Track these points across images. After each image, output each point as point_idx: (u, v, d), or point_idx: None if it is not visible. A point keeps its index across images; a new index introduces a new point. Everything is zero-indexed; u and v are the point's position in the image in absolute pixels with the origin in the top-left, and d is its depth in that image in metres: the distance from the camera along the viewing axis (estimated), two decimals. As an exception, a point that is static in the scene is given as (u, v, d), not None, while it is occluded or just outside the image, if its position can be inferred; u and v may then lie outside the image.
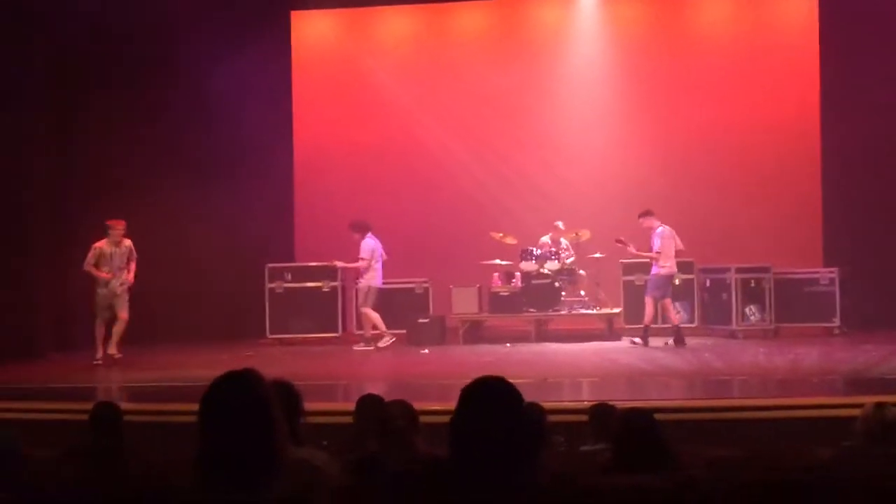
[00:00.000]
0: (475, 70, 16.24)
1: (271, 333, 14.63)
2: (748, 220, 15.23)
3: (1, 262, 13.27)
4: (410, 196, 16.10)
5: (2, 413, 8.38)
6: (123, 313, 12.46)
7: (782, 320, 14.03)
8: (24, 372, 11.85)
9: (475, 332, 14.57)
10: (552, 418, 5.40)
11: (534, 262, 14.35)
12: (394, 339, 13.65)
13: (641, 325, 13.24)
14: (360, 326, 14.12)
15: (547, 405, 5.38)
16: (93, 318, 12.64)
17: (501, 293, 14.49)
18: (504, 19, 16.73)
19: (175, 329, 14.67)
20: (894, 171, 14.51)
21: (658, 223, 13.14)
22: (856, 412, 5.43)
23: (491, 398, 3.10)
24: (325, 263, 14.38)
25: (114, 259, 12.47)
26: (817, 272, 14.32)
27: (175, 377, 10.92)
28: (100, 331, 12.55)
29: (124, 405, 6.38)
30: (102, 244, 12.49)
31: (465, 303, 14.42)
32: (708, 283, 14.46)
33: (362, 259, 13.62)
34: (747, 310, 13.97)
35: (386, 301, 14.06)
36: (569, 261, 14.62)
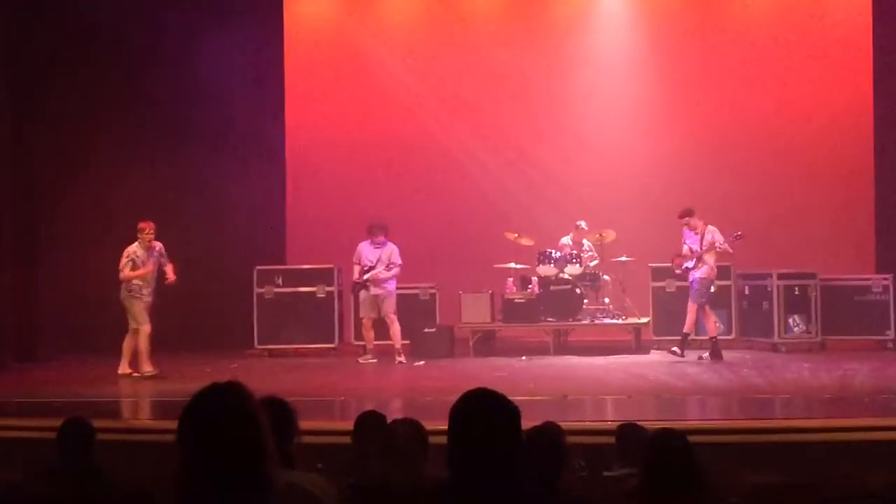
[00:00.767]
0: (489, 53, 16.24)
1: (260, 344, 14.64)
2: (792, 222, 15.22)
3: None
4: (416, 192, 16.10)
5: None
6: (147, 325, 12.46)
7: (830, 332, 14.01)
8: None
9: (487, 344, 14.56)
10: (572, 439, 5.38)
11: (553, 265, 14.34)
12: (375, 361, 13.68)
13: (680, 336, 13.22)
14: (359, 335, 14.15)
15: (566, 425, 5.36)
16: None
17: (516, 300, 14.49)
18: (521, -4, 16.76)
19: (152, 338, 14.67)
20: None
21: (702, 222, 13.16)
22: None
23: (483, 415, 3.11)
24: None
25: (146, 264, 12.46)
26: (869, 279, 14.31)
27: (152, 392, 10.92)
28: (134, 344, 12.45)
29: (96, 422, 6.38)
30: (135, 248, 12.45)
31: (475, 311, 14.41)
32: (747, 291, 14.44)
33: (398, 265, 13.66)
34: (791, 320, 13.95)
35: (388, 308, 14.08)
36: (592, 264, 14.61)
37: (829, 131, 15.41)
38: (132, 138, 14.95)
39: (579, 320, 14.33)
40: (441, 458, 4.81)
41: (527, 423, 3.96)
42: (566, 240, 14.75)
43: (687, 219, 13.22)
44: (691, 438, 4.67)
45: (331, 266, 14.68)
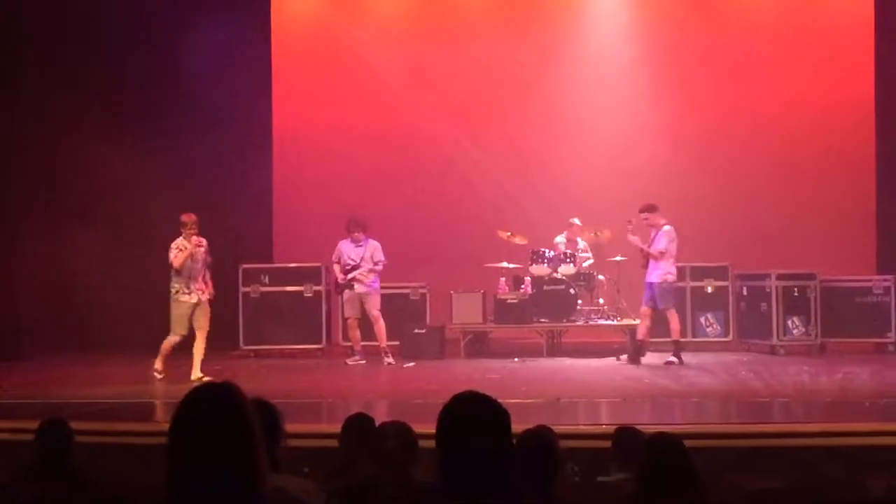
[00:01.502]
0: (479, 48, 16.24)
1: (245, 344, 14.61)
2: (791, 221, 15.25)
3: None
4: (405, 189, 16.10)
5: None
6: (204, 325, 12.00)
7: (829, 334, 14.03)
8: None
9: (479, 345, 14.56)
10: (565, 444, 5.37)
11: (546, 265, 14.34)
12: (363, 362, 13.67)
13: (671, 340, 13.19)
14: (346, 336, 14.14)
15: (559, 429, 5.36)
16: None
17: (509, 300, 14.48)
18: (515, -12, 16.76)
19: (134, 338, 14.62)
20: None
21: (664, 221, 13.07)
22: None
23: (473, 418, 3.10)
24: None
25: (195, 260, 12.02)
26: (870, 280, 14.34)
27: (133, 393, 10.89)
28: (195, 347, 12.00)
29: (74, 424, 6.36)
30: (180, 241, 11.93)
31: (467, 311, 14.41)
32: (745, 292, 14.45)
33: (383, 262, 13.65)
34: (790, 322, 13.96)
35: (377, 308, 14.06)
36: (586, 264, 14.61)
37: (830, 131, 15.44)
38: (116, 133, 14.89)
39: (573, 321, 14.32)
40: (431, 463, 4.81)
41: (519, 427, 3.96)
42: (560, 238, 14.76)
43: (647, 214, 13.07)
44: (688, 443, 4.66)
45: (318, 264, 14.66)
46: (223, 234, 15.21)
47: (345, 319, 14.08)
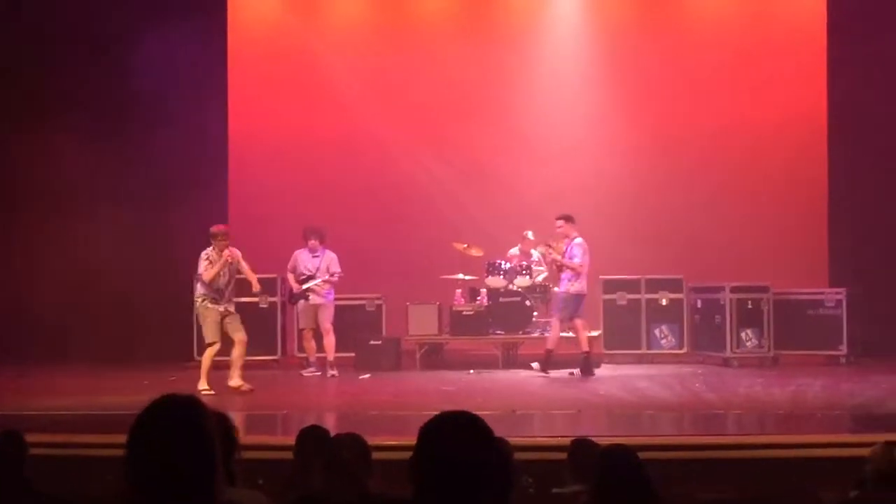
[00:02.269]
0: (437, 56, 16.29)
1: (199, 355, 14.47)
2: (745, 234, 15.39)
3: None
4: (362, 199, 16.07)
5: None
6: (241, 334, 12.01)
7: (782, 347, 14.15)
8: None
9: (434, 357, 14.56)
10: (520, 455, 5.39)
11: (502, 277, 14.37)
12: (319, 373, 13.63)
13: (544, 351, 13.35)
14: (301, 348, 14.08)
15: (514, 441, 5.37)
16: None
17: (465, 312, 14.49)
18: (474, 0, 16.79)
19: (88, 349, 14.52)
20: (909, 182, 14.72)
21: (576, 233, 13.19)
22: (865, 452, 5.48)
23: (460, 437, 3.07)
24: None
25: (227, 272, 11.99)
26: (822, 293, 14.47)
27: (88, 405, 10.78)
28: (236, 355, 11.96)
29: (28, 437, 6.29)
30: (209, 251, 11.94)
31: (423, 323, 14.41)
32: (699, 304, 14.56)
33: (339, 274, 13.61)
34: (743, 334, 14.07)
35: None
36: (541, 277, 14.65)
37: (784, 145, 15.60)
38: (69, 137, 14.73)
39: (529, 333, 14.35)
40: (385, 474, 4.81)
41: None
42: (514, 251, 14.78)
43: (563, 223, 13.19)
44: (642, 454, 4.69)
45: (274, 275, 14.56)
46: (176, 245, 15.16)
47: (300, 330, 14.03)
